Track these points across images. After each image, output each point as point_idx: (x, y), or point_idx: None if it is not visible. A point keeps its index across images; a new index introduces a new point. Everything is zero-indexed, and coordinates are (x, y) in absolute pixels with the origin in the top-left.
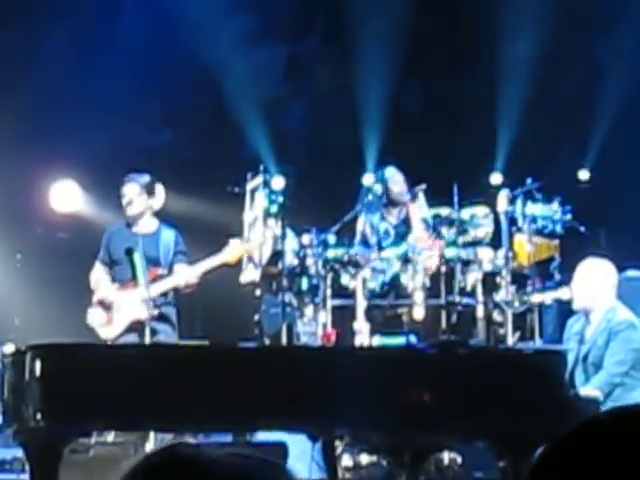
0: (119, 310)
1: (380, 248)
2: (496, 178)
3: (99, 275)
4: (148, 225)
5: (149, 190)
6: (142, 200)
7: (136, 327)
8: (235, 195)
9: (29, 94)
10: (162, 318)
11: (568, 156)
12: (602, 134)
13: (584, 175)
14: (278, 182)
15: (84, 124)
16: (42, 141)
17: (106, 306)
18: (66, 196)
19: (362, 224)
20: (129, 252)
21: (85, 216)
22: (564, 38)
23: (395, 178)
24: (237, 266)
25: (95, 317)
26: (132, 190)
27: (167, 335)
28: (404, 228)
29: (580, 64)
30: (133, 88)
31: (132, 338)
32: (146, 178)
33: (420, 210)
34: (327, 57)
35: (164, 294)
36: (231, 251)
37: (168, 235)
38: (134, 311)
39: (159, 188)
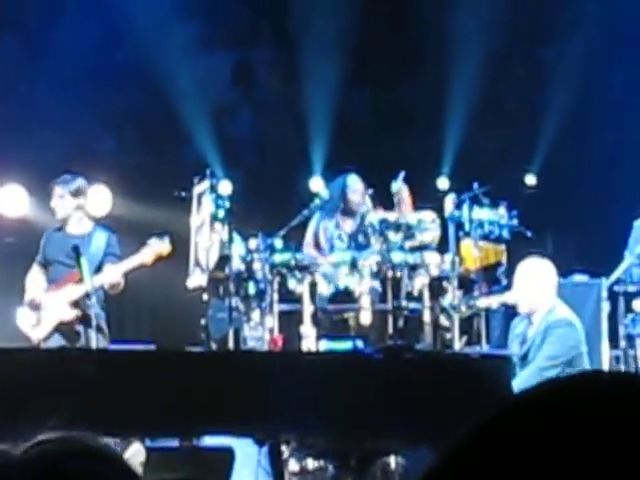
0: (47, 311)
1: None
2: (443, 182)
3: (34, 276)
4: (80, 227)
5: (75, 192)
6: (67, 202)
7: (62, 329)
8: (182, 200)
9: None
10: (86, 321)
11: (515, 161)
12: (548, 139)
13: (531, 180)
14: (225, 187)
15: (30, 129)
16: None
17: (35, 307)
18: (13, 200)
19: (312, 229)
20: (77, 252)
21: (32, 220)
22: (510, 42)
23: (355, 187)
24: (153, 266)
25: (24, 318)
26: (56, 192)
27: (88, 338)
28: (359, 237)
29: (526, 69)
30: (79, 93)
31: (58, 339)
32: (71, 180)
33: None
34: (274, 63)
35: (87, 295)
36: (148, 251)
37: (100, 237)
38: (60, 312)
39: (95, 190)
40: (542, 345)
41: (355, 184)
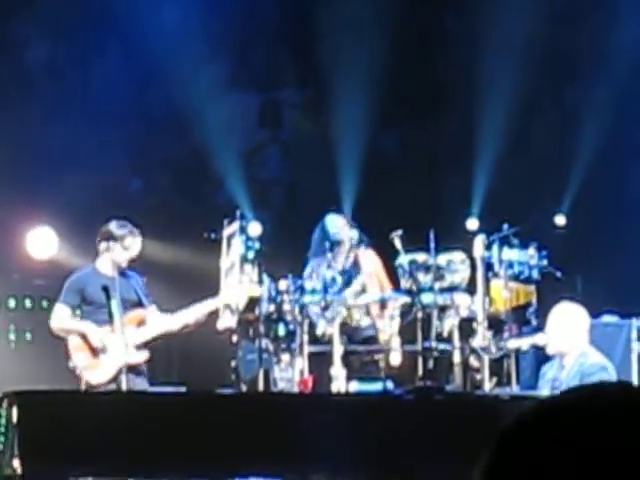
0: (107, 353)
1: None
2: (472, 224)
3: (67, 317)
4: (108, 268)
5: (103, 235)
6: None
7: (127, 370)
8: (212, 241)
9: (4, 141)
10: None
11: (544, 202)
12: (578, 180)
13: (560, 220)
14: (255, 228)
15: (60, 170)
16: (18, 189)
17: (94, 349)
18: (42, 243)
19: (309, 272)
20: (107, 294)
21: (61, 262)
22: (539, 82)
23: (334, 224)
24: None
25: (80, 360)
26: (136, 241)
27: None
28: (351, 274)
29: (555, 109)
30: (108, 135)
31: (118, 383)
32: (107, 225)
33: (370, 260)
34: (303, 104)
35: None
36: (233, 294)
37: (137, 279)
38: (126, 355)
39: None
40: None
41: (333, 222)
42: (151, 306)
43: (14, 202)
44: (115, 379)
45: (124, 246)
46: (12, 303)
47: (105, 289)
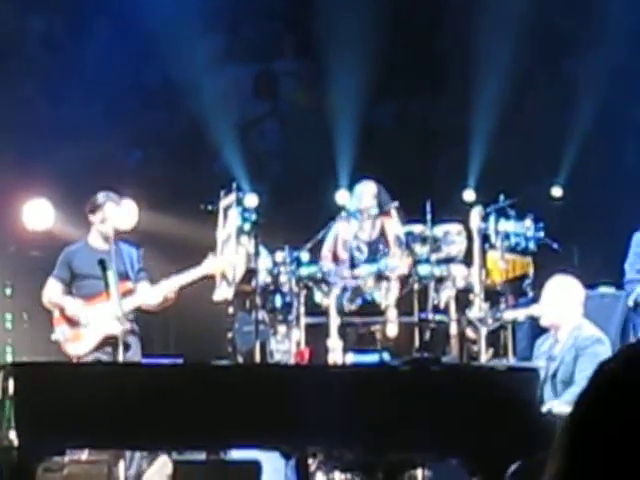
0: (88, 326)
1: (353, 265)
2: (469, 195)
3: (55, 291)
4: (102, 242)
5: (91, 209)
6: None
7: (109, 342)
8: (209, 213)
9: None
10: (133, 332)
11: (541, 173)
12: (574, 151)
13: (557, 192)
14: (251, 200)
15: (56, 143)
16: (14, 161)
17: (73, 322)
18: (38, 214)
19: (332, 241)
20: (103, 266)
21: (57, 234)
22: (535, 56)
23: (363, 193)
24: (211, 281)
25: (62, 333)
26: (118, 210)
27: (137, 348)
28: (378, 245)
29: (551, 83)
30: (104, 108)
31: (104, 353)
32: (91, 199)
33: (394, 226)
34: (299, 75)
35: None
36: (211, 265)
37: (131, 251)
38: (107, 326)
39: (122, 204)
40: (575, 363)
41: (363, 191)
42: (142, 282)
43: (9, 174)
44: (96, 350)
45: (106, 215)
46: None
47: (101, 261)
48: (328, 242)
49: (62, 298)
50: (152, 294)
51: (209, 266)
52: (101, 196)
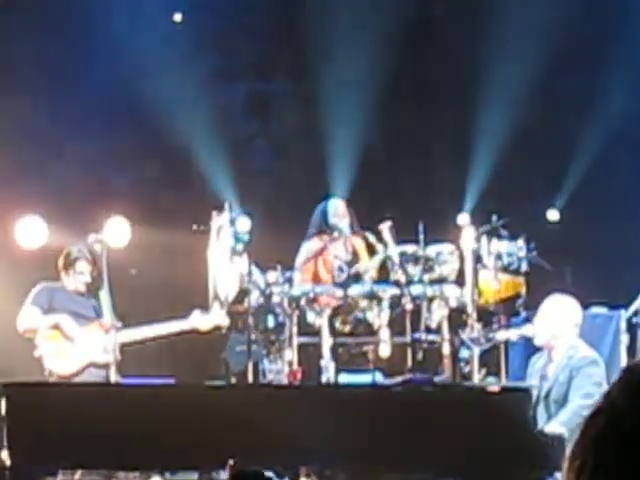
0: (77, 346)
1: (340, 286)
2: (463, 218)
3: (37, 316)
4: (76, 285)
5: (63, 265)
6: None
7: (92, 369)
8: (201, 233)
9: None
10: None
11: (537, 197)
12: (571, 174)
13: (553, 216)
14: (244, 224)
15: (49, 161)
16: (5, 178)
17: (66, 336)
18: (31, 232)
19: (312, 261)
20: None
21: (51, 251)
22: (533, 78)
23: (336, 211)
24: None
25: (48, 348)
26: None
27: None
28: (354, 263)
29: (550, 102)
30: (99, 127)
31: (87, 378)
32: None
33: (364, 243)
34: (291, 95)
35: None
36: (196, 321)
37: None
38: (95, 354)
39: (113, 222)
40: (568, 384)
41: (336, 208)
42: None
43: (1, 191)
44: (79, 374)
45: (78, 271)
46: None
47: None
48: (306, 259)
49: (55, 316)
50: (135, 335)
51: (194, 322)
52: (74, 251)
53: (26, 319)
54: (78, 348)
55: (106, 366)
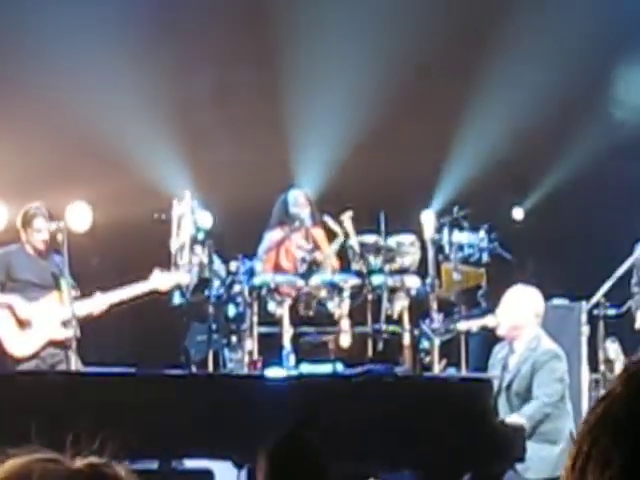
0: (34, 326)
1: (301, 275)
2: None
3: None
4: (42, 253)
5: (22, 223)
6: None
7: (50, 347)
8: (162, 222)
9: None
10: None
11: (502, 196)
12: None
13: (518, 214)
14: (206, 220)
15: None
16: None
17: (20, 321)
18: None
19: (273, 250)
20: (56, 277)
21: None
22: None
23: (297, 201)
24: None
25: (4, 331)
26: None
27: (69, 359)
28: (314, 255)
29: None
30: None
31: (44, 362)
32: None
33: (325, 233)
34: (256, 83)
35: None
36: (157, 280)
37: (57, 259)
38: (52, 330)
39: (75, 207)
40: (530, 378)
41: (296, 198)
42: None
43: None
44: (38, 354)
45: (35, 229)
46: None
47: (53, 274)
48: (267, 249)
49: (6, 297)
50: (94, 305)
51: (155, 282)
52: (30, 210)
53: None
54: (35, 327)
55: (65, 344)
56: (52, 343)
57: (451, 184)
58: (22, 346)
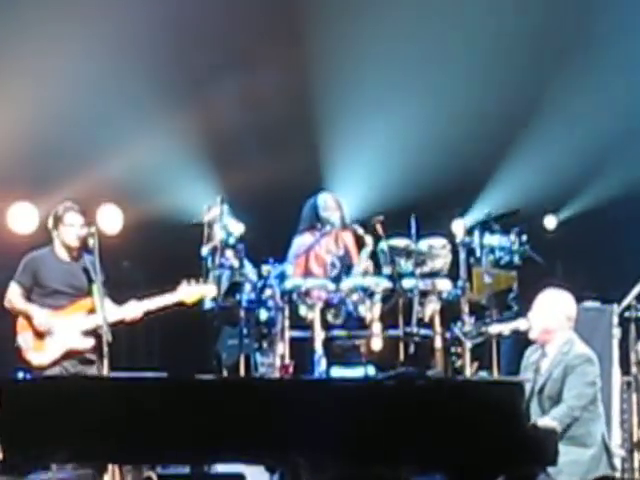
0: (55, 337)
1: (334, 279)
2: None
3: (18, 297)
4: (64, 253)
5: (53, 222)
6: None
7: (71, 356)
8: (194, 226)
9: None
10: (99, 350)
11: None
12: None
13: (550, 223)
14: (237, 228)
15: (42, 148)
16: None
17: (38, 331)
18: (23, 218)
19: (302, 255)
20: (89, 279)
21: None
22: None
23: (327, 205)
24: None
25: (25, 341)
26: (72, 217)
27: (100, 368)
28: (345, 259)
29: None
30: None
31: (68, 367)
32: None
33: (355, 237)
34: (286, 88)
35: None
36: (184, 293)
37: (88, 260)
38: (71, 340)
39: (105, 209)
40: (562, 382)
41: (326, 202)
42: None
43: None
44: (58, 363)
45: (67, 223)
46: None
47: (89, 279)
48: (297, 254)
49: (29, 306)
50: (128, 311)
51: (181, 294)
52: (61, 208)
53: (7, 298)
54: (54, 336)
55: (85, 354)
56: (71, 353)
57: (488, 189)
58: (40, 355)
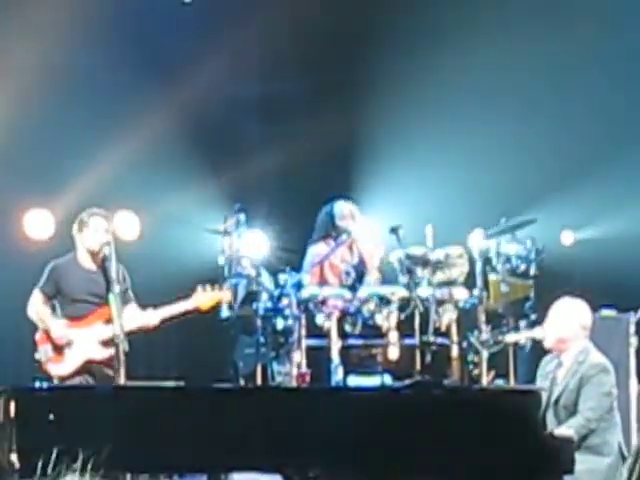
0: (73, 348)
1: (350, 288)
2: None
3: (41, 305)
4: (88, 260)
5: (77, 228)
6: (76, 239)
7: (89, 366)
8: (212, 234)
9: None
10: (118, 360)
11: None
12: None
13: (568, 239)
14: (252, 236)
15: (58, 156)
16: (15, 172)
17: (57, 344)
18: (39, 224)
19: (317, 264)
20: (108, 288)
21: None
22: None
23: (343, 213)
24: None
25: (45, 353)
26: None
27: (118, 377)
28: (360, 268)
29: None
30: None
31: (87, 378)
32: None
33: (367, 246)
34: (301, 97)
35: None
36: (199, 299)
37: (118, 270)
38: (89, 351)
39: (122, 216)
40: (577, 392)
41: (342, 210)
42: (129, 304)
43: (10, 185)
44: (78, 373)
45: (91, 228)
46: None
47: (107, 288)
48: (313, 263)
49: (47, 318)
50: (146, 319)
51: (197, 301)
52: (85, 214)
53: (30, 305)
54: (73, 348)
55: (104, 363)
56: (90, 363)
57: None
58: (59, 366)
